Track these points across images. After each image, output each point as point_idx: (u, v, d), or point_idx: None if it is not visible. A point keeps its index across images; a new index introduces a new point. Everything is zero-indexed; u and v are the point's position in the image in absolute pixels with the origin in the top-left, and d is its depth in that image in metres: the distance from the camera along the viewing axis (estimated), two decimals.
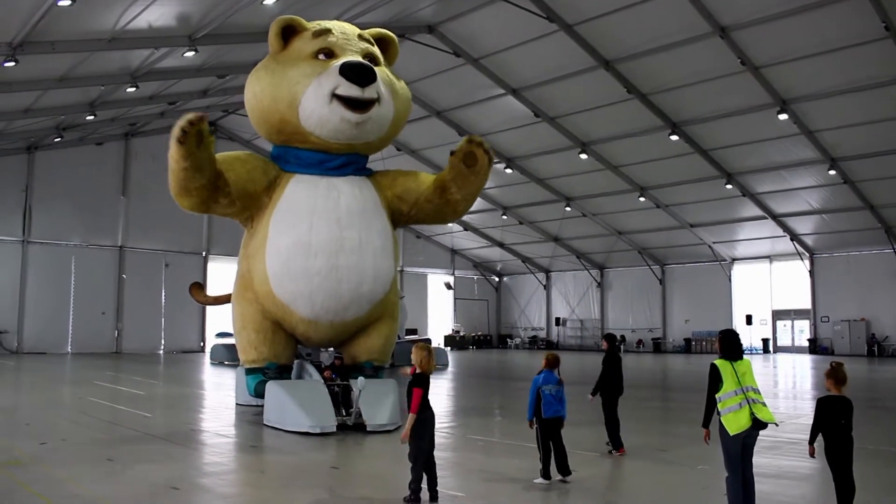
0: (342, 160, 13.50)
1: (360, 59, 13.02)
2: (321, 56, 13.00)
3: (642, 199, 39.45)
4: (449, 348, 46.76)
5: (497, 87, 31.87)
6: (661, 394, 22.16)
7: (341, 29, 13.56)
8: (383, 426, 12.20)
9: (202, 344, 41.27)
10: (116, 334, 39.05)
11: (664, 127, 32.09)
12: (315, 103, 12.77)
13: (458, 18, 27.98)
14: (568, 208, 42.77)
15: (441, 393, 19.74)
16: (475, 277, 57.27)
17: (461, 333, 53.72)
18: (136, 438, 11.68)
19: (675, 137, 32.40)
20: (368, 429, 12.11)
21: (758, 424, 6.55)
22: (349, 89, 12.64)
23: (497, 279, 59.12)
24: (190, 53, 23.73)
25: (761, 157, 33.79)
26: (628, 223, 44.44)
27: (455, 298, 55.16)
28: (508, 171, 39.27)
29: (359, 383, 12.12)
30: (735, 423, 6.48)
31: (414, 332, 39.79)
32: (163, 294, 40.27)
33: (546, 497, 8.13)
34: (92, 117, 31.04)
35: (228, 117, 40.66)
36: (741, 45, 25.90)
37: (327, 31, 13.27)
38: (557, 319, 54.59)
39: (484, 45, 29.44)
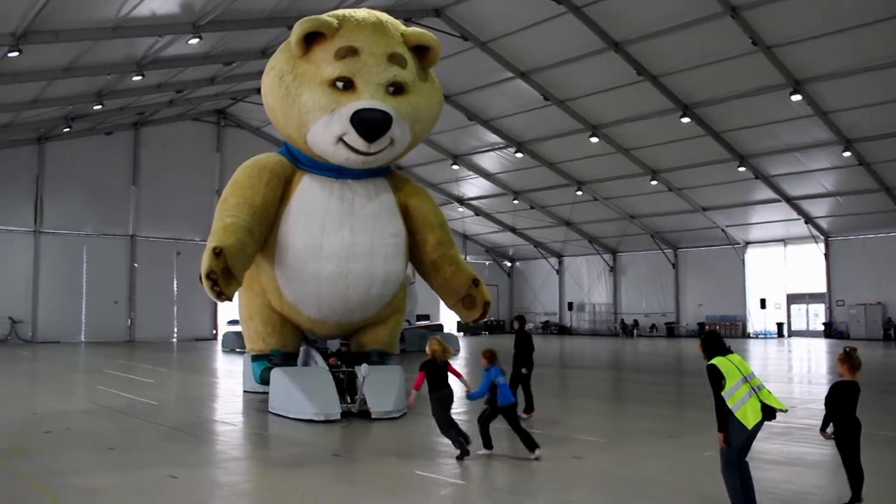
0: (358, 170, 12.82)
1: (379, 101, 11.79)
2: (339, 84, 11.85)
3: (654, 182, 39.09)
4: (462, 334, 46.69)
5: (506, 70, 31.58)
6: (676, 378, 22.01)
7: (370, 47, 12.05)
8: (388, 413, 12.09)
9: (214, 332, 41.37)
10: (129, 323, 39.20)
11: (675, 109, 31.73)
12: (322, 139, 12.14)
13: (465, 1, 27.61)
14: (579, 192, 42.49)
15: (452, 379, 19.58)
16: (487, 263, 57.07)
17: None
18: (141, 427, 11.65)
19: (686, 120, 32.04)
20: (373, 416, 12.00)
21: (768, 414, 6.33)
22: (356, 141, 11.89)
23: (509, 264, 58.93)
24: (194, 41, 23.55)
25: (775, 139, 33.37)
26: (640, 207, 44.12)
27: None
28: (519, 155, 39.03)
29: (362, 370, 12.01)
30: (752, 413, 6.23)
31: (426, 317, 39.69)
32: (175, 282, 40.33)
33: (553, 479, 8.00)
34: (99, 107, 30.96)
35: (237, 105, 40.58)
36: (753, 24, 25.48)
37: (353, 53, 11.90)
38: (570, 304, 54.38)
39: (492, 28, 29.13)
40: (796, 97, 28.68)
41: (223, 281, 10.83)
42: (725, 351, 6.57)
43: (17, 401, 14.98)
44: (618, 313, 51.79)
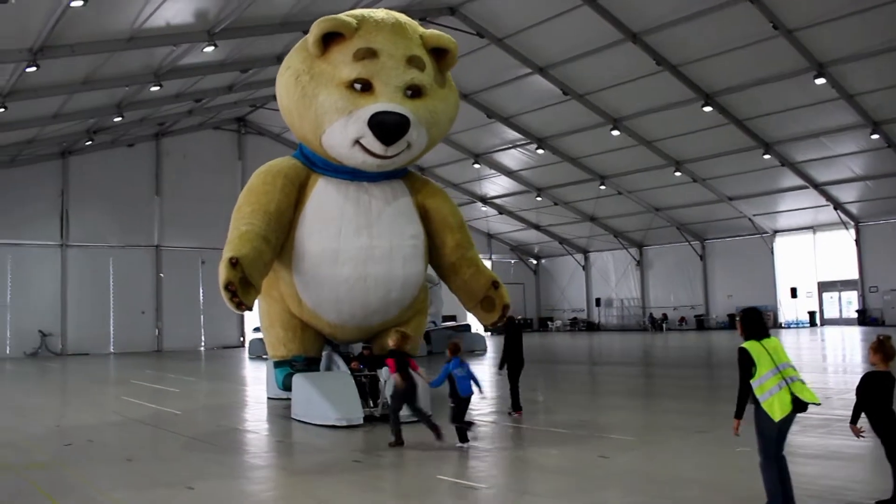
0: (374, 172, 12.57)
1: (397, 104, 11.52)
2: (357, 86, 11.62)
3: (678, 173, 38.61)
4: (489, 333, 46.38)
5: (523, 66, 31.34)
6: (706, 372, 21.61)
7: (389, 49, 11.79)
8: (410, 416, 11.86)
9: (242, 339, 41.54)
10: (157, 333, 39.49)
11: (697, 98, 31.30)
12: (338, 142, 11.89)
13: None
14: (602, 187, 42.11)
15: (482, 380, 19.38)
16: (512, 261, 56.79)
17: None
18: (162, 438, 11.58)
19: (708, 108, 31.60)
20: None
21: (799, 406, 6.05)
22: (373, 144, 11.62)
23: (535, 262, 58.57)
24: (210, 49, 23.62)
25: (800, 124, 32.78)
26: (665, 199, 43.61)
27: None
28: (540, 151, 38.75)
29: (384, 373, 11.83)
30: (779, 406, 5.97)
31: (452, 318, 39.51)
32: (200, 291, 40.53)
33: (580, 480, 7.76)
34: (120, 119, 31.21)
35: (257, 112, 40.72)
36: (773, 8, 25.02)
37: (372, 55, 11.67)
38: (598, 300, 53.94)
39: (507, 24, 28.89)
40: (820, 80, 28.14)
41: (241, 291, 10.72)
42: (763, 333, 6.29)
43: (41, 413, 14.99)
44: (646, 308, 51.28)
